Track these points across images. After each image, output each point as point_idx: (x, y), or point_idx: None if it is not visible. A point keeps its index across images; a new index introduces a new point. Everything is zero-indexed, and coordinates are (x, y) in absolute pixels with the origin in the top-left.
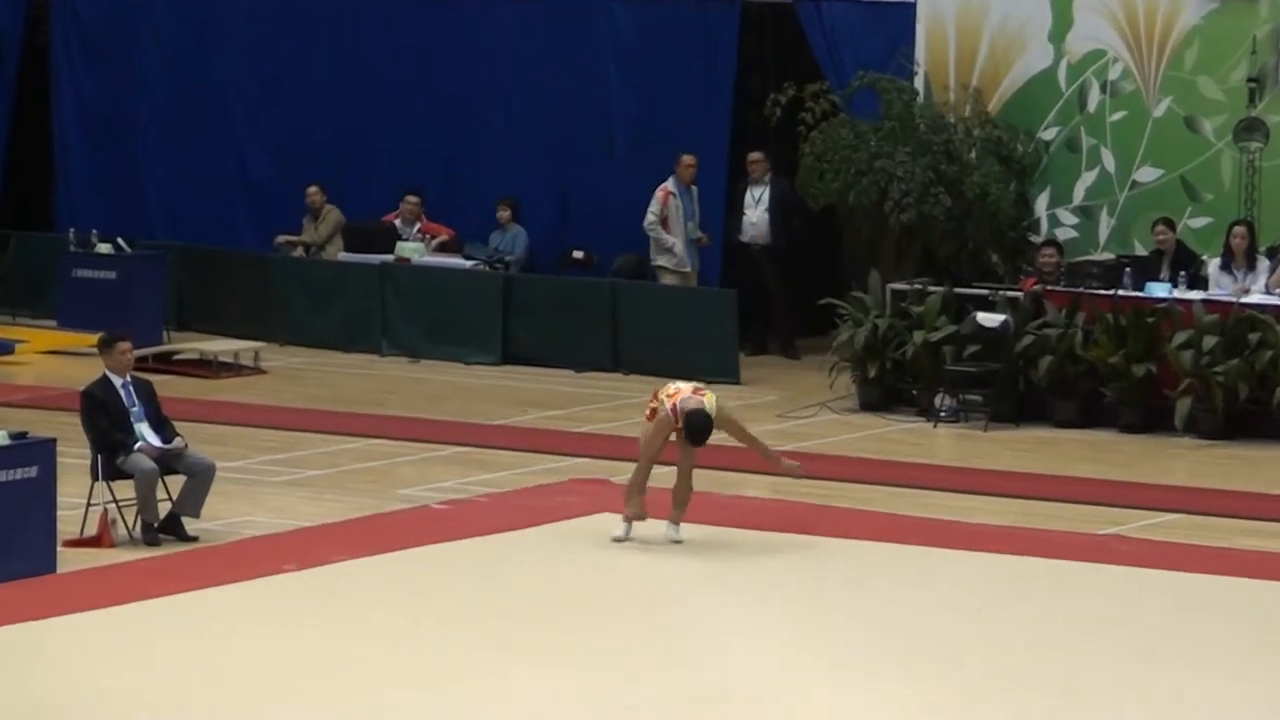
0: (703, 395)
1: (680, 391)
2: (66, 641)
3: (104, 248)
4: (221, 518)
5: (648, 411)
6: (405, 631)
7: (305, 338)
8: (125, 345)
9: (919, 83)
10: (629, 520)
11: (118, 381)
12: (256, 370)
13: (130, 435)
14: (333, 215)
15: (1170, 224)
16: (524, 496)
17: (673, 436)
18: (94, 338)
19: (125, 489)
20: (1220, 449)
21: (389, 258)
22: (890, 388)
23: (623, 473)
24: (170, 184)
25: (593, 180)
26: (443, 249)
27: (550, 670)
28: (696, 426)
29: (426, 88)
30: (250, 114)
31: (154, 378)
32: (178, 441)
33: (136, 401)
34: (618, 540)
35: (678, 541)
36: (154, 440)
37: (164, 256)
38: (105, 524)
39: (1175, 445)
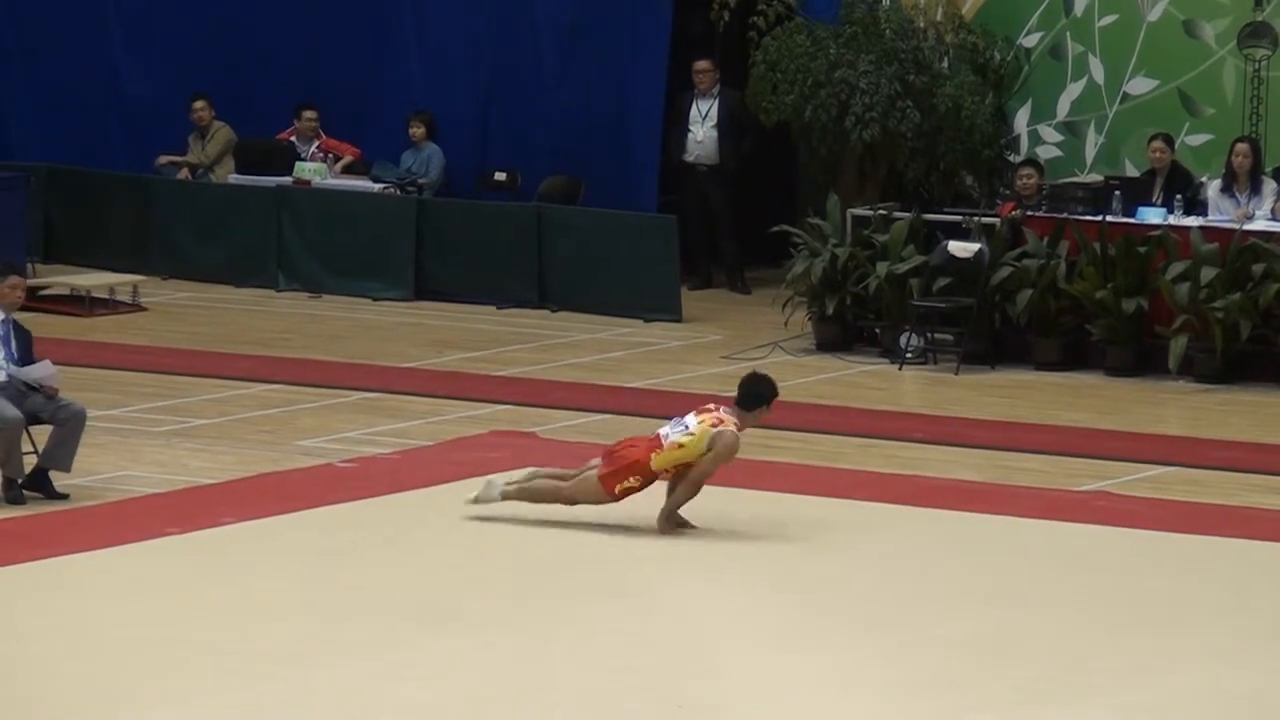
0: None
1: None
2: None
3: None
4: (96, 473)
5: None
6: (301, 603)
7: (191, 271)
8: (16, 280)
9: None
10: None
11: None
12: (135, 307)
13: None
14: (222, 133)
15: (1168, 141)
16: (438, 450)
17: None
18: None
19: None
20: (1219, 393)
21: (286, 180)
22: (850, 325)
23: (550, 421)
24: (33, 96)
25: (517, 93)
26: (348, 170)
27: (459, 642)
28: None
29: None
30: (125, 17)
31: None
32: (42, 368)
33: (11, 346)
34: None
35: None
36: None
37: (26, 179)
38: None
39: (1169, 389)
